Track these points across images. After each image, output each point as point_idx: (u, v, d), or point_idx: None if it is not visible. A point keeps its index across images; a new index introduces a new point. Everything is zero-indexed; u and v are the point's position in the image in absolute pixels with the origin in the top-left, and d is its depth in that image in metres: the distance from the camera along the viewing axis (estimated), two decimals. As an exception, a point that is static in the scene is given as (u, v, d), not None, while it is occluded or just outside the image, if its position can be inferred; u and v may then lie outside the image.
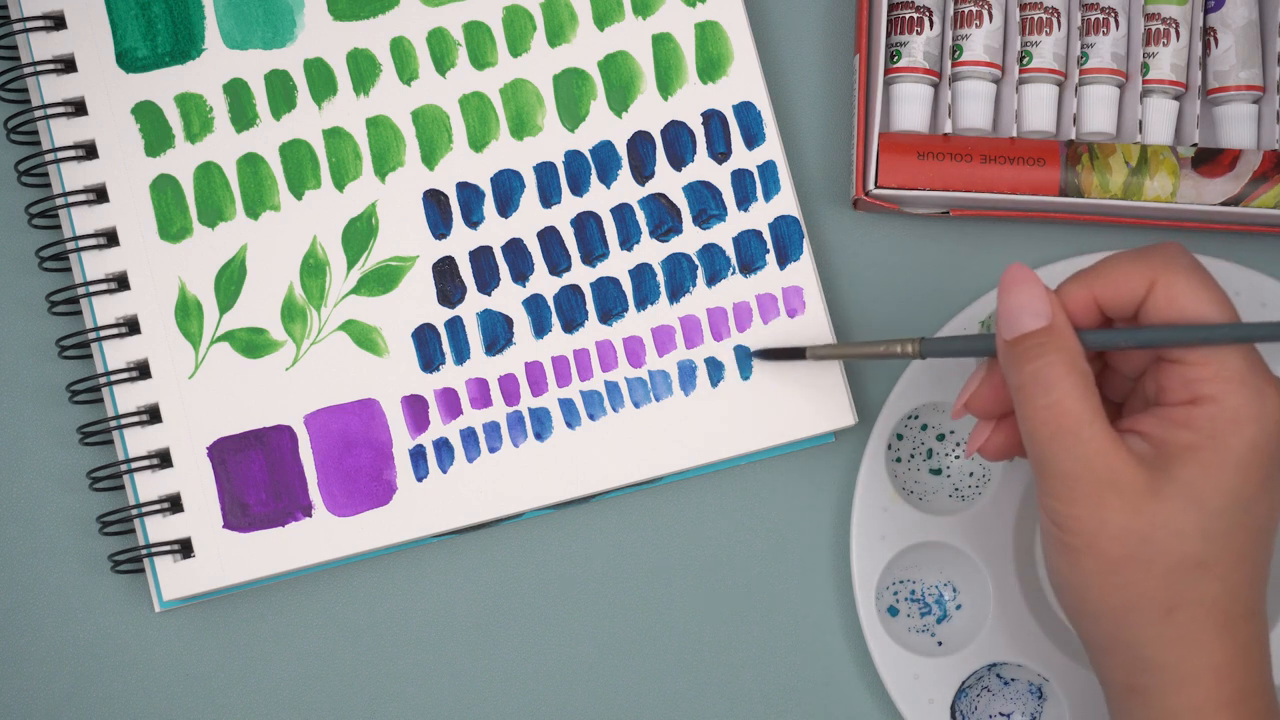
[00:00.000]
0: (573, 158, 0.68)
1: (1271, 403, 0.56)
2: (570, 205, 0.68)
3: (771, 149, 0.68)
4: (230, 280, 0.67)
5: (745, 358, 0.68)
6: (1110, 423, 0.57)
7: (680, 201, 0.68)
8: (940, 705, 0.67)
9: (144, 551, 0.66)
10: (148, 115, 0.68)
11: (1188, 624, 0.56)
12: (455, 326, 0.68)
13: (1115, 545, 0.56)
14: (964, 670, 0.68)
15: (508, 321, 0.68)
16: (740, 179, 0.68)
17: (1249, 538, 0.56)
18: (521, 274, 0.68)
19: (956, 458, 0.69)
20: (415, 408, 0.67)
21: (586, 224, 0.68)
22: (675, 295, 0.68)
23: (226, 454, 0.67)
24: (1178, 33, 0.68)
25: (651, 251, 0.68)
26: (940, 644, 0.68)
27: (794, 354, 0.66)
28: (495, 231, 0.68)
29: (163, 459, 0.67)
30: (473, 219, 0.68)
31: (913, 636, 0.68)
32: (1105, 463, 0.55)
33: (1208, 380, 0.56)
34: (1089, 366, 0.57)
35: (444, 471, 0.67)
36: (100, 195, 0.67)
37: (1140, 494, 0.55)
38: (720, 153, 0.68)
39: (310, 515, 0.67)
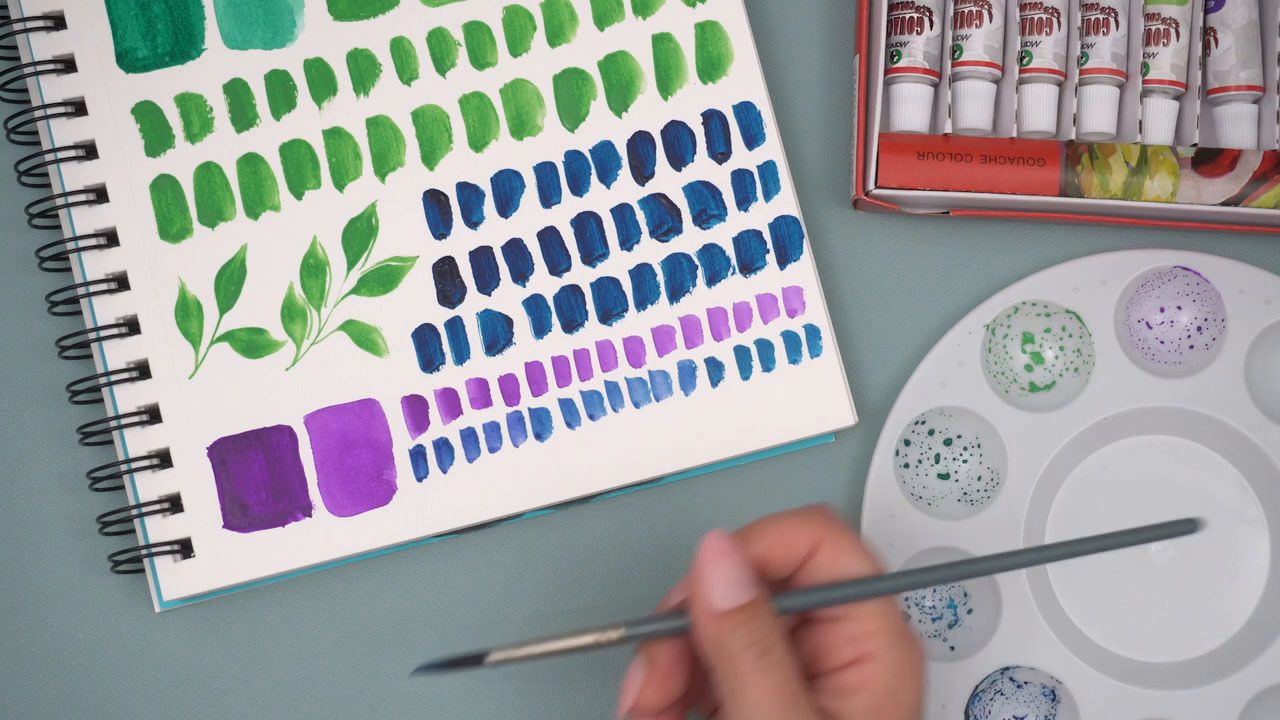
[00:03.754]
0: (573, 158, 0.68)
1: (921, 652, 0.59)
2: (570, 205, 0.68)
3: (771, 149, 0.68)
4: (230, 280, 0.67)
5: (746, 359, 0.68)
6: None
7: (680, 201, 0.68)
8: (954, 710, 0.67)
9: (144, 551, 0.66)
10: (148, 115, 0.68)
11: None
12: (455, 326, 0.68)
13: None
14: (976, 675, 0.67)
15: (508, 321, 0.68)
16: (740, 179, 0.68)
17: None
18: (521, 274, 0.68)
19: (964, 462, 0.69)
20: (415, 408, 0.67)
21: (586, 224, 0.68)
22: (675, 295, 0.68)
23: (226, 454, 0.67)
24: (1178, 33, 0.68)
25: (651, 251, 0.68)
26: (952, 649, 0.68)
27: (473, 661, 0.58)
28: (495, 231, 0.68)
29: (163, 459, 0.67)
30: (473, 219, 0.68)
31: (925, 642, 0.68)
32: None
33: (873, 634, 0.58)
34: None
35: (444, 471, 0.67)
36: (100, 195, 0.67)
37: None
38: (720, 153, 0.68)
39: (310, 515, 0.67)
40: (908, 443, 0.68)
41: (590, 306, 0.68)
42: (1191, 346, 0.69)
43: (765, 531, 0.59)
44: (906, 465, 0.69)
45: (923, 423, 0.69)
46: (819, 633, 0.59)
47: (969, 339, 0.68)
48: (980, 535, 0.68)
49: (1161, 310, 0.69)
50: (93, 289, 0.67)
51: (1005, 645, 0.68)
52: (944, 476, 0.69)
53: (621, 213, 0.68)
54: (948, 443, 0.69)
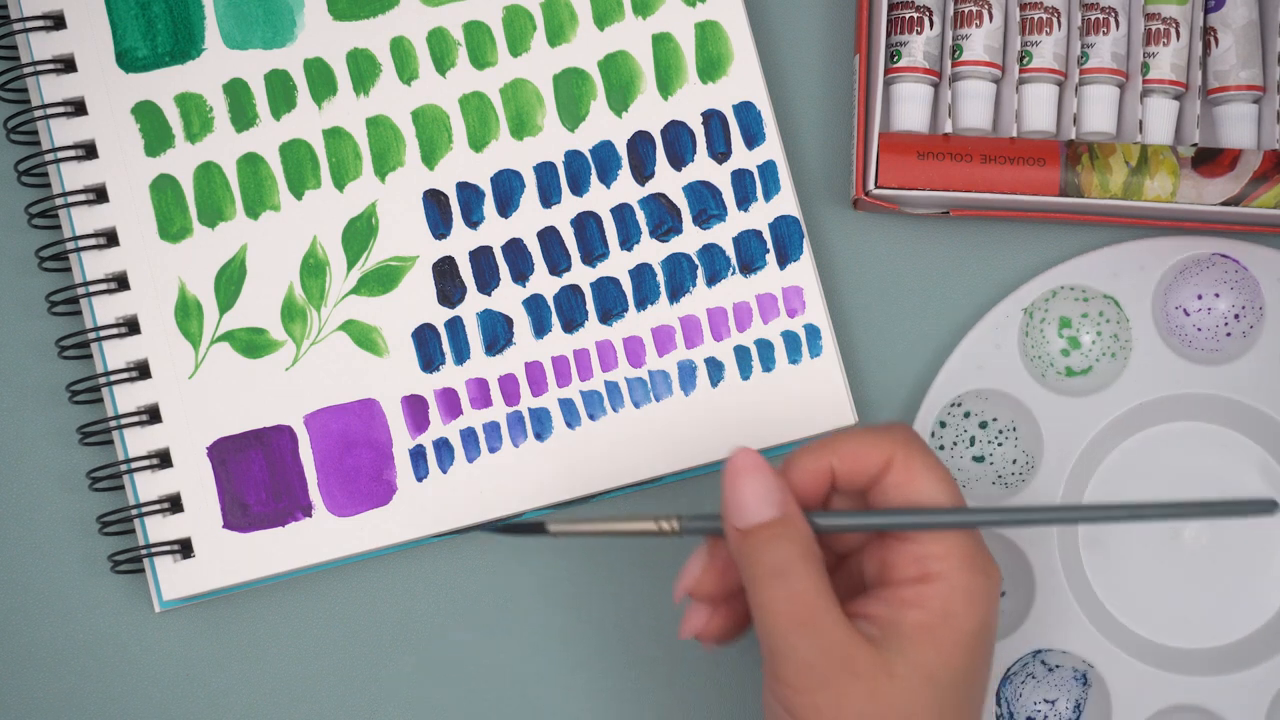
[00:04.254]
0: (573, 158, 0.68)
1: (994, 581, 0.58)
2: (570, 205, 0.68)
3: (771, 149, 0.68)
4: (230, 280, 0.67)
5: (746, 359, 0.68)
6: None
7: (680, 201, 0.68)
8: None
9: (144, 551, 0.66)
10: (148, 115, 0.68)
11: None
12: (455, 326, 0.68)
13: None
14: (1008, 657, 0.68)
15: (508, 321, 0.68)
16: (740, 179, 0.68)
17: (971, 711, 0.58)
18: (521, 274, 0.68)
19: (999, 445, 0.69)
20: (415, 408, 0.67)
21: (586, 224, 0.68)
22: (675, 295, 0.68)
23: (226, 454, 0.67)
24: (1178, 32, 0.68)
25: (651, 251, 0.68)
26: None
27: (535, 529, 0.60)
28: (495, 231, 0.68)
29: (163, 459, 0.67)
30: (473, 219, 0.68)
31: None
32: (843, 650, 0.56)
33: (939, 558, 0.58)
34: (820, 551, 0.58)
35: (444, 471, 0.67)
36: (100, 195, 0.67)
37: (876, 677, 0.56)
38: (720, 153, 0.68)
39: (310, 515, 0.67)
40: (943, 424, 0.69)
41: (590, 306, 0.68)
42: (1229, 334, 0.69)
43: (836, 446, 0.59)
44: (942, 447, 0.69)
45: (958, 405, 0.69)
46: (889, 547, 0.59)
47: (1006, 322, 0.68)
48: None
49: (1199, 297, 0.69)
50: (93, 289, 0.67)
51: (1037, 628, 0.68)
52: (979, 459, 0.69)
53: (621, 213, 0.68)
54: (983, 425, 0.69)
